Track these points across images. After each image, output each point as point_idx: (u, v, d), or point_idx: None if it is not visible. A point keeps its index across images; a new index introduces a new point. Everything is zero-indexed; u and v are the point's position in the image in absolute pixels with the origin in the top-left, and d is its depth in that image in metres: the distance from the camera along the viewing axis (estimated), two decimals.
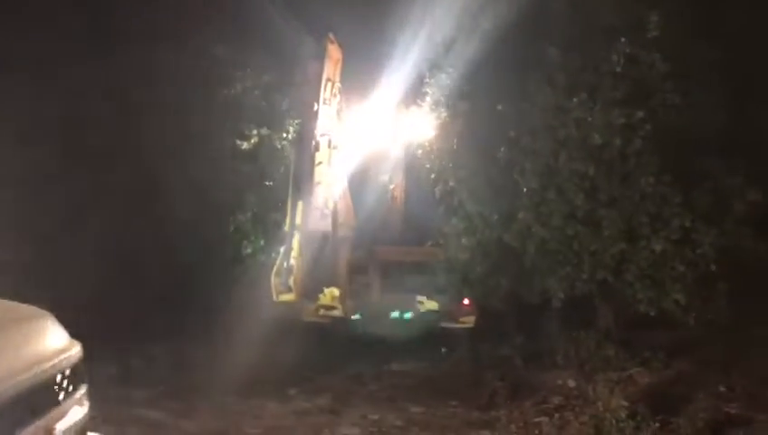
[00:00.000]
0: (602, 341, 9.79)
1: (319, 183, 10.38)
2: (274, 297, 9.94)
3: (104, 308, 11.52)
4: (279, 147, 12.71)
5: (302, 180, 10.20)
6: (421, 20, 10.90)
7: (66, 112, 12.50)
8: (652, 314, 9.35)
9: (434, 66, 10.98)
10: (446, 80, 10.77)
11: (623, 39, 9.06)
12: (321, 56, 10.37)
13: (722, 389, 8.44)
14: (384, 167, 12.35)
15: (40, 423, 3.18)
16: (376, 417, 8.80)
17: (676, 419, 7.56)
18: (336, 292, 10.79)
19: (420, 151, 11.69)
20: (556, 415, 8.28)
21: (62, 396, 3.43)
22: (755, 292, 9.59)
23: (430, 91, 11.12)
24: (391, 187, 12.52)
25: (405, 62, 11.16)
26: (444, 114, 10.97)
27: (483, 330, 11.08)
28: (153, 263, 12.37)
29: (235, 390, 9.44)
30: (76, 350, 3.72)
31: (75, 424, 3.52)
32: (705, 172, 9.06)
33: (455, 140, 10.68)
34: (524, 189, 9.62)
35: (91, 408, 3.98)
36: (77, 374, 3.63)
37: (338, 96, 10.91)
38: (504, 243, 9.78)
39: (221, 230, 12.47)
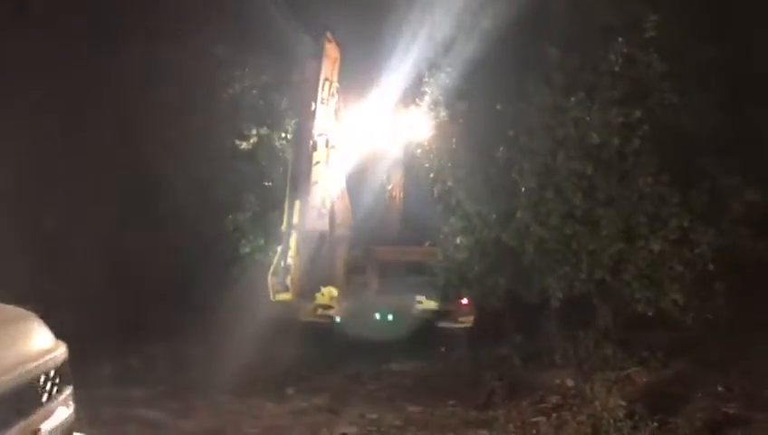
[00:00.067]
0: (601, 340, 9.78)
1: (316, 182, 10.38)
2: (271, 297, 9.93)
3: (103, 307, 11.57)
4: (278, 147, 12.70)
5: (299, 180, 10.19)
6: (420, 19, 10.88)
7: (66, 112, 12.51)
8: (650, 313, 9.33)
9: (432, 65, 10.95)
10: (444, 79, 10.74)
11: (621, 39, 9.03)
12: (318, 55, 10.37)
13: (720, 388, 8.42)
14: (382, 166, 12.31)
15: (25, 424, 3.19)
16: (374, 416, 8.79)
17: (674, 418, 7.54)
18: (334, 291, 10.76)
19: (419, 151, 11.68)
20: (554, 415, 8.27)
21: (47, 397, 3.44)
22: (753, 291, 9.57)
23: (429, 91, 11.09)
24: (389, 186, 12.50)
25: (403, 61, 11.14)
26: (442, 114, 10.94)
27: (481, 329, 11.05)
28: (152, 262, 12.38)
29: (234, 389, 9.48)
30: (61, 351, 3.73)
31: (61, 425, 3.52)
32: (703, 172, 9.03)
33: (453, 140, 10.65)
34: (523, 189, 9.60)
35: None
36: (62, 375, 3.64)
37: (335, 95, 10.91)
38: (502, 242, 9.77)
39: (220, 230, 12.47)
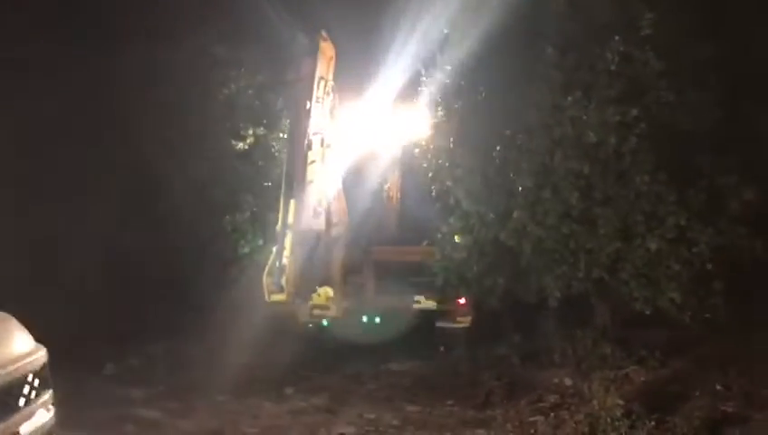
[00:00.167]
0: (599, 339, 9.79)
1: (311, 182, 10.31)
2: (266, 297, 9.90)
3: (102, 307, 11.58)
4: (275, 146, 12.67)
5: (294, 179, 10.11)
6: (416, 17, 10.84)
7: (64, 111, 12.50)
8: (648, 312, 9.32)
9: (429, 64, 10.93)
10: (442, 78, 10.72)
11: (617, 37, 9.00)
12: (313, 54, 10.27)
13: (718, 387, 8.45)
14: (379, 166, 12.27)
15: (4, 426, 3.17)
16: (372, 416, 8.82)
17: (671, 417, 7.57)
18: (330, 292, 10.73)
19: (416, 150, 11.66)
20: (552, 414, 8.31)
21: (25, 400, 3.42)
22: (751, 290, 9.58)
23: (426, 90, 11.07)
24: (387, 186, 12.45)
25: (400, 59, 11.09)
26: (440, 112, 10.93)
27: (479, 329, 11.05)
28: (151, 262, 12.39)
29: (233, 389, 9.50)
30: (41, 354, 3.71)
31: (41, 427, 3.51)
32: (701, 170, 9.02)
33: (451, 139, 10.62)
34: (520, 188, 9.59)
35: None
36: (42, 379, 3.62)
37: (331, 94, 10.83)
38: (500, 242, 9.74)
39: (218, 230, 12.46)
